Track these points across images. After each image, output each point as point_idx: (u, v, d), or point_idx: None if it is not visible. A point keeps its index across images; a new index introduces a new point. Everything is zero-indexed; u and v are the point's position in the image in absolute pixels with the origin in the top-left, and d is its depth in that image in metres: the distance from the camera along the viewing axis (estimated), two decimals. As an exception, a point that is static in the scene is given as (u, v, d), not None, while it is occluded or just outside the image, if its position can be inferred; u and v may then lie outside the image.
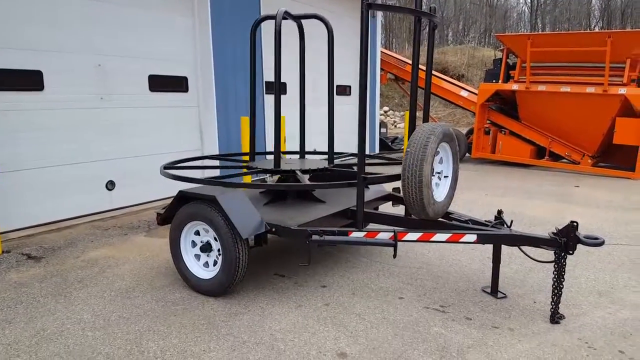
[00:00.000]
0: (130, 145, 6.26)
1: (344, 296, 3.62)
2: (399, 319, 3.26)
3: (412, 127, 3.81)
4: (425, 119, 4.16)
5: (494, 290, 3.66)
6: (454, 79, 24.20)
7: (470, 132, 10.90)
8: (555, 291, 3.18)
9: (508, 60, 9.82)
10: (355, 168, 4.67)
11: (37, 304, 3.49)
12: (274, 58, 3.95)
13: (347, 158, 5.28)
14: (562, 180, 8.38)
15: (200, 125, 7.14)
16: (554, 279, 3.18)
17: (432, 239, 3.35)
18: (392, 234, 3.31)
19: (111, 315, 3.30)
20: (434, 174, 3.63)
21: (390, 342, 2.95)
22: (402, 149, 13.31)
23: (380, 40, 11.39)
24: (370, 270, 4.13)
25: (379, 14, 11.28)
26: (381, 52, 12.01)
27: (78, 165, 5.71)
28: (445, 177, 3.74)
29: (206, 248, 3.59)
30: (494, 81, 10.05)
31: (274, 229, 3.51)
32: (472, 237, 3.32)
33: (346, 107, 11.00)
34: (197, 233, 3.65)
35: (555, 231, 3.17)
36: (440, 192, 3.68)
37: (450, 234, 3.33)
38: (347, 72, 10.85)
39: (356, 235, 3.37)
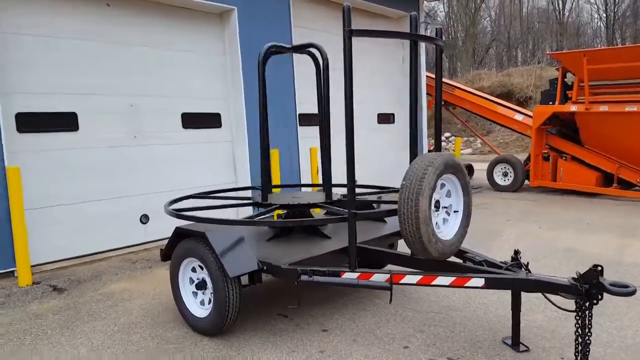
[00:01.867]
0: (164, 180, 6.42)
1: (343, 343, 3.37)
2: (396, 370, 2.97)
3: (412, 158, 3.56)
4: (437, 147, 3.89)
5: (515, 342, 3.25)
6: (520, 101, 23.15)
7: (529, 158, 10.22)
8: (579, 348, 2.75)
9: (565, 79, 9.16)
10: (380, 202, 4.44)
11: (44, 336, 3.55)
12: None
13: (372, 191, 5.04)
14: (631, 211, 7.55)
15: (233, 159, 7.22)
16: (577, 333, 2.75)
17: (433, 283, 3.05)
18: (388, 276, 3.05)
19: (105, 352, 3.29)
20: (440, 208, 3.33)
21: (377, 398, 2.67)
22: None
23: (424, 65, 11.08)
24: (382, 314, 3.84)
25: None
26: (428, 76, 11.69)
27: (113, 201, 5.92)
28: (455, 211, 3.42)
29: (201, 285, 3.51)
30: (550, 103, 9.40)
31: (265, 267, 3.36)
32: (479, 282, 2.98)
33: (388, 136, 10.72)
34: (194, 270, 3.59)
35: (576, 276, 2.76)
36: (448, 228, 3.36)
37: (454, 278, 3.01)
38: (391, 99, 10.64)
39: (348, 276, 3.14)
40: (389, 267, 3.92)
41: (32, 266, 4.92)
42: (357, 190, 4.97)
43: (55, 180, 5.42)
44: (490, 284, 2.96)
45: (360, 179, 9.05)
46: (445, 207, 3.36)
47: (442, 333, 3.48)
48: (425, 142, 11.35)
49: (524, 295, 3.92)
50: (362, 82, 9.52)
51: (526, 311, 3.79)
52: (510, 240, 5.96)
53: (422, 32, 10.95)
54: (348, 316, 3.80)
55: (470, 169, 13.06)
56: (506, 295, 4.13)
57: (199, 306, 3.58)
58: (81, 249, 5.61)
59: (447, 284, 3.01)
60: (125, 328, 3.67)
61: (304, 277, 3.16)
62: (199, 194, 4.64)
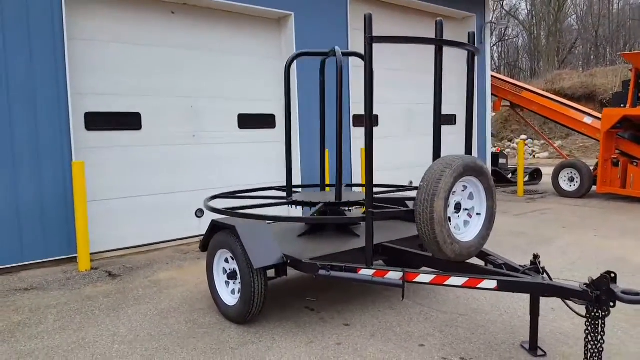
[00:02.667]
0: (220, 177, 6.81)
1: (362, 337, 3.47)
2: (405, 366, 3.03)
3: (436, 159, 3.58)
4: (469, 150, 3.87)
5: (532, 346, 3.19)
6: (603, 104, 21.66)
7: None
8: (588, 354, 2.68)
9: (639, 81, 8.57)
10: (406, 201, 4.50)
11: (92, 315, 3.96)
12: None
13: (400, 190, 5.09)
14: None
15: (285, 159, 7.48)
16: (586, 340, 2.69)
17: (445, 283, 3.08)
18: (401, 274, 3.12)
19: (142, 332, 3.61)
20: (462, 210, 3.34)
21: (380, 391, 2.76)
22: (525, 181, 12.27)
23: (490, 66, 10.78)
24: (406, 313, 3.90)
25: (488, 40, 10.73)
26: (494, 77, 11.35)
27: (171, 195, 6.38)
28: (477, 214, 3.41)
29: (232, 275, 3.75)
30: (622, 105, 8.83)
31: (288, 261, 3.54)
32: (492, 284, 2.97)
33: (450, 137, 10.54)
34: (227, 261, 3.84)
35: (588, 282, 2.70)
36: (469, 230, 3.36)
37: (467, 279, 3.03)
38: (454, 100, 10.46)
39: (364, 272, 3.24)
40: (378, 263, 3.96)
41: (92, 253, 5.45)
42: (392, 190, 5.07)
43: (118, 175, 5.94)
44: (502, 287, 2.94)
45: (418, 181, 9.03)
46: (466, 210, 3.37)
47: (462, 334, 3.48)
48: (489, 144, 11.03)
49: (555, 302, 3.84)
50: (421, 84, 9.51)
51: (555, 318, 3.70)
52: (560, 247, 5.73)
53: (487, 33, 10.68)
54: (372, 313, 3.90)
55: (538, 174, 12.54)
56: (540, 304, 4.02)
57: (230, 295, 3.83)
58: (138, 239, 6.10)
59: (460, 284, 3.03)
60: (164, 312, 4.00)
61: (322, 272, 3.31)
62: (239, 191, 4.92)
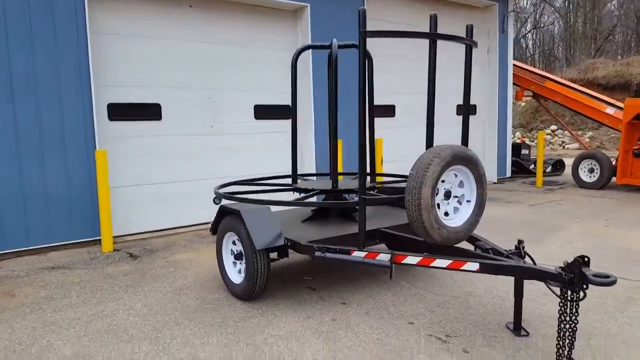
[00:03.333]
0: (236, 165, 7.11)
1: (356, 315, 3.69)
2: (392, 342, 3.24)
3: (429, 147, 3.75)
4: (465, 141, 4.01)
5: (516, 327, 3.36)
6: (638, 93, 21.01)
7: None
8: (561, 334, 2.83)
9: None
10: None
11: (112, 291, 4.31)
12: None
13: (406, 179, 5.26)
14: None
15: (300, 148, 7.72)
16: (559, 320, 2.84)
17: (431, 264, 3.27)
18: (390, 256, 3.33)
19: (155, 306, 3.93)
20: (452, 197, 3.51)
21: (365, 362, 2.99)
22: (548, 172, 12.18)
23: (511, 55, 10.72)
24: (401, 294, 4.10)
25: (511, 29, 10.66)
26: (516, 66, 11.26)
27: (190, 183, 6.72)
28: (467, 201, 3.57)
29: (239, 256, 4.03)
30: (645, 96, 8.70)
31: (289, 243, 3.79)
32: (474, 266, 3.15)
33: (472, 128, 10.56)
34: (234, 243, 4.12)
35: (563, 266, 2.84)
36: (459, 217, 3.53)
37: (451, 261, 3.21)
38: (474, 90, 10.44)
39: (357, 254, 3.46)
40: (379, 247, 4.15)
41: (115, 236, 5.83)
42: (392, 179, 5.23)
43: (140, 163, 6.30)
44: (484, 269, 3.11)
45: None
46: (456, 197, 3.53)
47: (451, 314, 3.66)
48: (509, 134, 10.99)
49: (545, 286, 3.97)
50: (441, 73, 9.54)
51: (546, 302, 3.84)
52: (567, 237, 5.80)
53: (510, 22, 10.61)
54: (369, 293, 4.11)
55: (561, 165, 12.42)
56: (531, 286, 4.17)
57: (237, 274, 4.11)
58: (159, 224, 6.47)
59: (444, 266, 3.22)
60: (178, 290, 4.32)
61: (317, 253, 3.54)
62: (249, 180, 5.19)
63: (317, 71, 7.59)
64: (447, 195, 3.48)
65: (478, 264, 3.13)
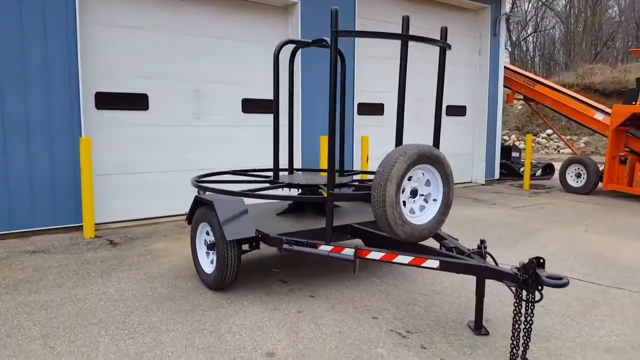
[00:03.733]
0: (223, 157, 7.17)
1: (322, 308, 3.77)
2: (353, 335, 3.32)
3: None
4: (436, 142, 4.08)
5: (477, 325, 3.43)
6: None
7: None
8: (515, 333, 2.90)
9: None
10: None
11: (88, 277, 4.38)
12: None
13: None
14: (703, 223, 6.94)
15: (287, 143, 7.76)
16: (514, 320, 2.91)
17: (393, 260, 3.35)
18: (354, 250, 3.40)
19: (127, 293, 4.01)
20: (418, 195, 3.58)
21: (322, 353, 3.06)
22: (537, 175, 12.27)
23: (502, 58, 10.79)
24: (370, 290, 4.17)
25: (503, 32, 10.71)
26: (507, 69, 11.33)
27: (174, 173, 6.78)
28: (434, 200, 3.64)
29: (211, 246, 4.10)
30: (633, 103, 8.77)
31: (260, 235, 3.86)
32: (434, 263, 3.23)
33: (461, 128, 10.65)
34: (208, 233, 4.19)
35: (519, 266, 2.92)
36: (425, 215, 3.59)
37: (413, 257, 3.28)
38: (464, 92, 10.54)
39: (323, 248, 3.53)
40: (356, 243, 4.22)
41: (98, 223, 5.91)
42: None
43: (126, 152, 6.37)
44: (443, 267, 3.19)
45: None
46: (422, 195, 3.60)
47: (416, 311, 3.74)
48: (499, 137, 11.06)
49: (491, 288, 4.05)
50: (427, 73, 9.62)
51: (512, 303, 3.90)
52: (543, 240, 5.88)
53: (502, 25, 10.66)
54: (339, 288, 4.19)
55: (550, 169, 12.49)
56: (497, 286, 4.25)
57: (209, 264, 4.18)
58: (142, 213, 6.54)
59: (406, 262, 3.29)
60: (152, 277, 4.39)
61: (285, 246, 3.62)
62: (228, 172, 5.25)
63: (306, 66, 7.65)
64: (414, 193, 3.55)
65: (438, 261, 3.21)
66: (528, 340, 2.92)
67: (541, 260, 2.88)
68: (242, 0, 7.20)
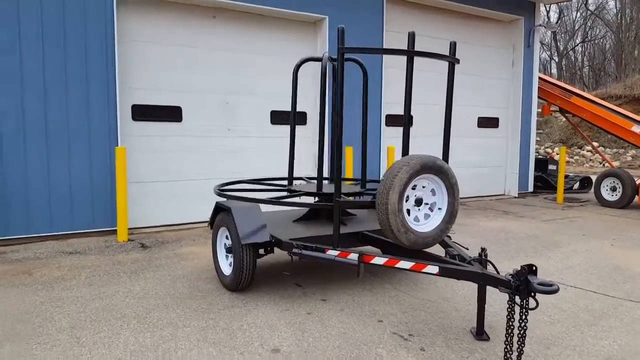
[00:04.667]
0: (251, 167, 7.47)
1: (331, 310, 3.93)
2: (356, 336, 3.47)
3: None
4: (445, 156, 4.18)
5: (479, 331, 3.51)
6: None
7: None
8: (508, 338, 2.99)
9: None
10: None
11: (117, 276, 4.72)
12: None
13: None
14: None
15: (315, 153, 8.01)
16: (507, 325, 2.99)
17: (396, 265, 3.49)
18: (358, 255, 3.56)
19: (151, 291, 4.30)
20: (423, 204, 3.70)
21: (325, 351, 3.23)
22: (575, 189, 12.00)
23: (537, 69, 10.67)
24: (381, 295, 4.30)
25: (537, 43, 10.61)
26: (542, 80, 11.18)
27: (206, 181, 7.12)
28: (439, 209, 3.76)
29: (230, 250, 4.35)
30: (670, 115, 8.51)
31: (273, 240, 4.07)
32: (434, 269, 3.34)
33: (494, 141, 10.59)
34: (227, 237, 4.44)
35: (513, 273, 3.00)
36: (429, 223, 3.71)
37: (414, 263, 3.41)
38: (497, 103, 10.49)
39: (330, 253, 3.71)
40: (361, 248, 4.35)
41: (132, 228, 6.30)
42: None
43: (161, 161, 6.76)
44: (442, 272, 3.30)
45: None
46: (427, 204, 3.72)
47: (422, 316, 3.84)
48: (533, 149, 10.91)
49: (502, 296, 4.09)
50: (457, 84, 9.66)
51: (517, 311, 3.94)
52: (565, 253, 5.82)
53: (536, 37, 10.58)
54: (351, 293, 4.34)
55: (588, 182, 12.18)
56: (506, 297, 4.29)
57: (228, 266, 4.43)
58: (174, 218, 6.90)
59: (408, 267, 3.42)
60: (176, 278, 4.68)
61: (295, 250, 3.81)
62: (249, 180, 5.51)
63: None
64: (419, 202, 3.68)
65: (438, 267, 3.32)
66: (522, 345, 2.99)
67: (534, 268, 2.96)
68: (272, 17, 7.53)
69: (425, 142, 9.42)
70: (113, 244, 5.89)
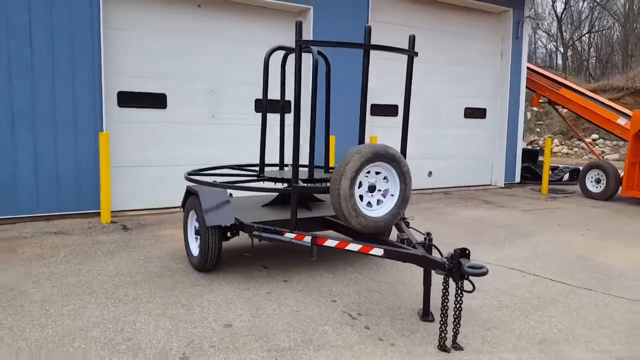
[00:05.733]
0: (235, 153, 7.67)
1: (289, 290, 4.14)
2: (308, 314, 3.68)
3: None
4: (403, 148, 4.34)
5: (425, 313, 3.68)
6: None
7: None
8: (443, 319, 3.18)
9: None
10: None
11: (94, 255, 4.95)
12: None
13: None
14: None
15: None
16: (442, 307, 3.19)
17: (346, 248, 3.69)
18: (317, 238, 3.76)
19: (123, 270, 4.53)
20: (376, 191, 3.88)
21: (273, 326, 3.44)
22: (564, 180, 12.10)
23: (525, 61, 10.73)
24: (341, 277, 4.50)
25: (526, 35, 10.66)
26: (531, 70, 11.24)
27: (189, 167, 7.31)
28: (392, 195, 3.94)
29: (198, 232, 4.56)
30: (653, 108, 8.58)
31: (237, 223, 4.28)
32: (379, 251, 3.54)
33: (480, 131, 10.70)
34: (196, 220, 4.65)
35: (448, 256, 3.19)
36: (382, 208, 3.90)
37: (361, 245, 3.61)
38: (484, 94, 10.59)
39: (288, 235, 3.91)
40: (324, 233, 4.53)
41: (116, 211, 6.54)
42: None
43: (145, 147, 6.97)
44: (387, 254, 3.50)
45: (438, 171, 9.49)
46: (380, 190, 3.90)
47: (375, 298, 4.04)
48: (520, 140, 11.02)
49: (479, 283, 4.28)
50: (450, 75, 9.80)
51: (471, 296, 4.13)
52: (535, 242, 5.98)
53: (525, 28, 10.63)
54: (312, 275, 4.55)
55: (578, 174, 12.27)
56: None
57: (196, 248, 4.64)
58: (158, 203, 7.12)
59: (356, 249, 3.63)
60: (149, 258, 4.91)
61: (255, 233, 4.02)
62: (222, 166, 5.70)
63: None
64: (372, 188, 3.86)
65: (383, 249, 3.52)
66: (458, 325, 3.19)
67: (467, 252, 3.14)
68: (257, 7, 7.66)
69: (409, 132, 9.54)
70: (96, 226, 6.13)
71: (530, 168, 11.86)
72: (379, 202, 3.91)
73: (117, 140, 6.71)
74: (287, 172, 5.41)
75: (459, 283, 3.14)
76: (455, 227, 6.72)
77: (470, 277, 3.07)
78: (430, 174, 10.03)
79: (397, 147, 9.22)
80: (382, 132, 8.98)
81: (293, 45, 5.08)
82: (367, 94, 4.06)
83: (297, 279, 4.42)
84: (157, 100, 7.01)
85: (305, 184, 4.39)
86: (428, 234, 3.69)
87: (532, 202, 8.96)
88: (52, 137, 6.18)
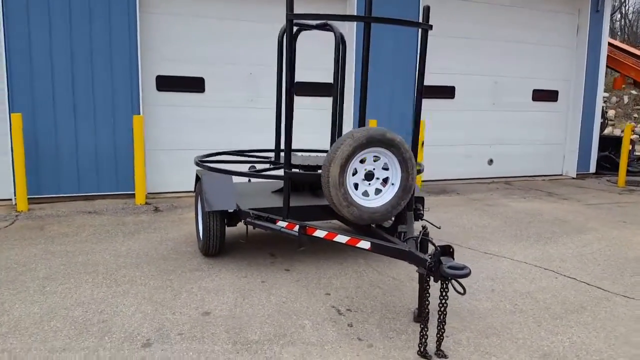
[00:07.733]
0: (271, 138, 7.55)
1: (287, 280, 3.97)
2: (294, 306, 3.48)
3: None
4: (416, 128, 3.97)
5: (419, 314, 3.36)
6: None
7: None
8: (423, 323, 2.85)
9: None
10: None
11: (114, 235, 5.09)
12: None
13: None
14: None
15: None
16: (420, 307, 2.86)
17: (334, 239, 3.44)
18: (306, 228, 3.55)
19: (133, 251, 4.60)
20: (374, 179, 3.57)
21: (252, 317, 3.29)
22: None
23: (607, 36, 9.55)
24: (346, 270, 4.24)
25: (608, 7, 9.48)
26: (613, 46, 10.00)
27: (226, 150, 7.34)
28: (392, 184, 3.60)
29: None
30: None
31: (236, 209, 4.16)
32: (366, 245, 3.26)
33: (550, 116, 9.75)
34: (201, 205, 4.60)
35: (431, 254, 2.85)
36: (380, 198, 3.58)
37: (349, 237, 3.34)
38: (556, 75, 9.61)
39: (280, 224, 3.73)
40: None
41: (152, 193, 6.71)
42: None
43: (183, 130, 7.08)
44: (374, 248, 3.22)
45: (500, 159, 8.86)
46: (378, 179, 3.58)
47: (374, 293, 3.76)
48: (597, 126, 9.91)
49: (477, 283, 3.87)
50: (509, 54, 9.01)
51: (468, 298, 3.73)
52: (587, 240, 5.33)
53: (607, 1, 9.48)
54: (317, 266, 4.33)
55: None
56: (467, 283, 4.07)
57: (202, 233, 4.60)
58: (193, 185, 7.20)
59: (344, 241, 3.37)
60: (164, 241, 4.95)
61: (248, 219, 3.88)
62: (236, 151, 5.59)
63: (361, 52, 7.67)
64: (369, 176, 3.56)
65: (370, 242, 3.23)
66: (442, 330, 2.86)
67: (450, 250, 2.78)
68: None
69: (468, 115, 8.93)
70: (130, 206, 6.33)
71: (610, 157, 10.65)
72: (377, 191, 3.59)
73: (156, 124, 6.86)
74: (314, 158, 5.18)
75: (444, 284, 2.78)
76: (500, 220, 6.16)
77: (462, 279, 2.71)
78: (490, 161, 9.33)
79: (453, 132, 8.75)
80: (436, 116, 8.47)
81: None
82: (368, 76, 3.69)
83: (300, 269, 4.23)
84: (195, 84, 7.07)
85: (298, 170, 4.15)
86: (424, 228, 3.33)
87: (602, 195, 8.02)
88: (91, 120, 6.45)
